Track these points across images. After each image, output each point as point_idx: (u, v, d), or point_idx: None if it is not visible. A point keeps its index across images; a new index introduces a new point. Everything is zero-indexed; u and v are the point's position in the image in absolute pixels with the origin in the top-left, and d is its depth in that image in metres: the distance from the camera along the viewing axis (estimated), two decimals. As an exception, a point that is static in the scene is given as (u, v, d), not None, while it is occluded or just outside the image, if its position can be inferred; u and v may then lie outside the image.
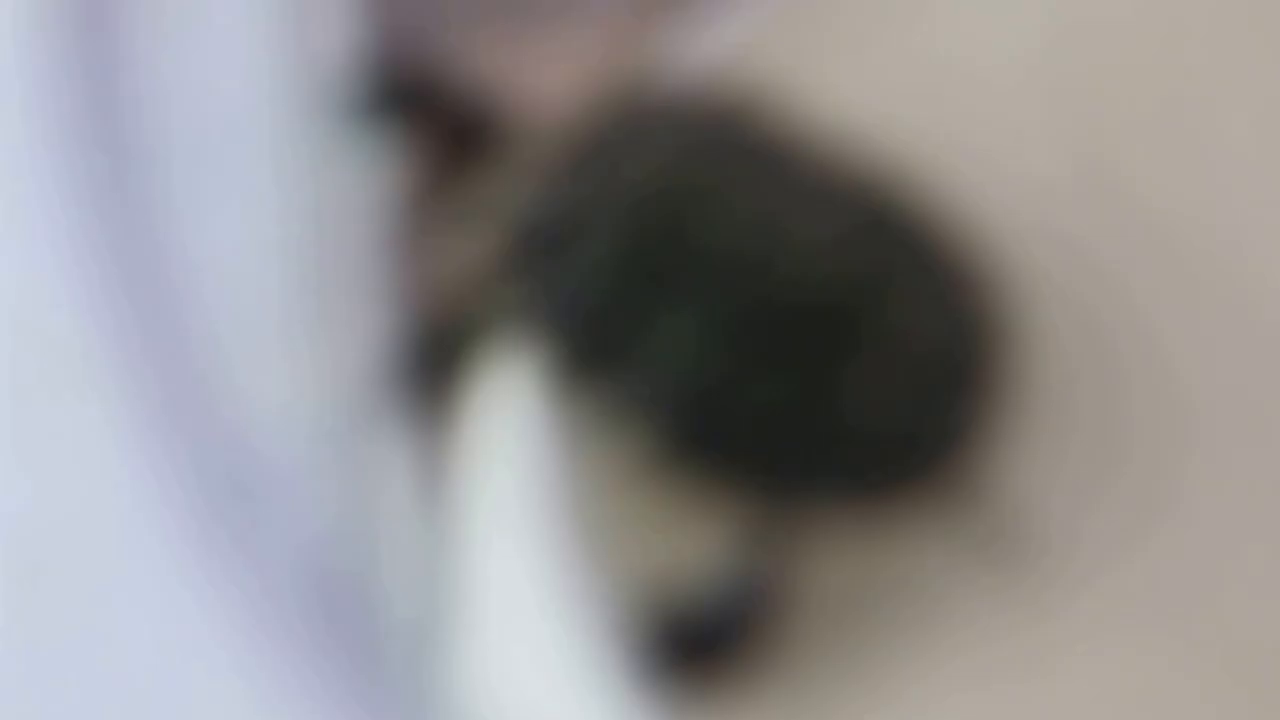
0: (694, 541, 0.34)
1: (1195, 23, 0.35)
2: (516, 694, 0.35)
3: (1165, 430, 0.34)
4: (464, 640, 0.35)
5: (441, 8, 0.38)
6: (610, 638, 0.34)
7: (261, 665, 0.31)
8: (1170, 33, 0.35)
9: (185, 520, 0.33)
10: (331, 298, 0.38)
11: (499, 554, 0.36)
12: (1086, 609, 0.33)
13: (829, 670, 0.33)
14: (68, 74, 0.34)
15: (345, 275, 0.38)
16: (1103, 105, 0.35)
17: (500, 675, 0.35)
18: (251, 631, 0.32)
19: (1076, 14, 0.35)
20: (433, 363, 0.36)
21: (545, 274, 0.35)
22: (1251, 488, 0.33)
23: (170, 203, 0.39)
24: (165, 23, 0.39)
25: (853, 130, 0.34)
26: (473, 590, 0.36)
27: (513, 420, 0.35)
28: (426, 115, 0.36)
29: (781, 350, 0.34)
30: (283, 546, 0.36)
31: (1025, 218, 0.34)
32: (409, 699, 0.36)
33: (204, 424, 0.36)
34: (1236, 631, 0.33)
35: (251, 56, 0.40)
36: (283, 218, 0.39)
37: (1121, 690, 0.33)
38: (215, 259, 0.39)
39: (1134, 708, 0.33)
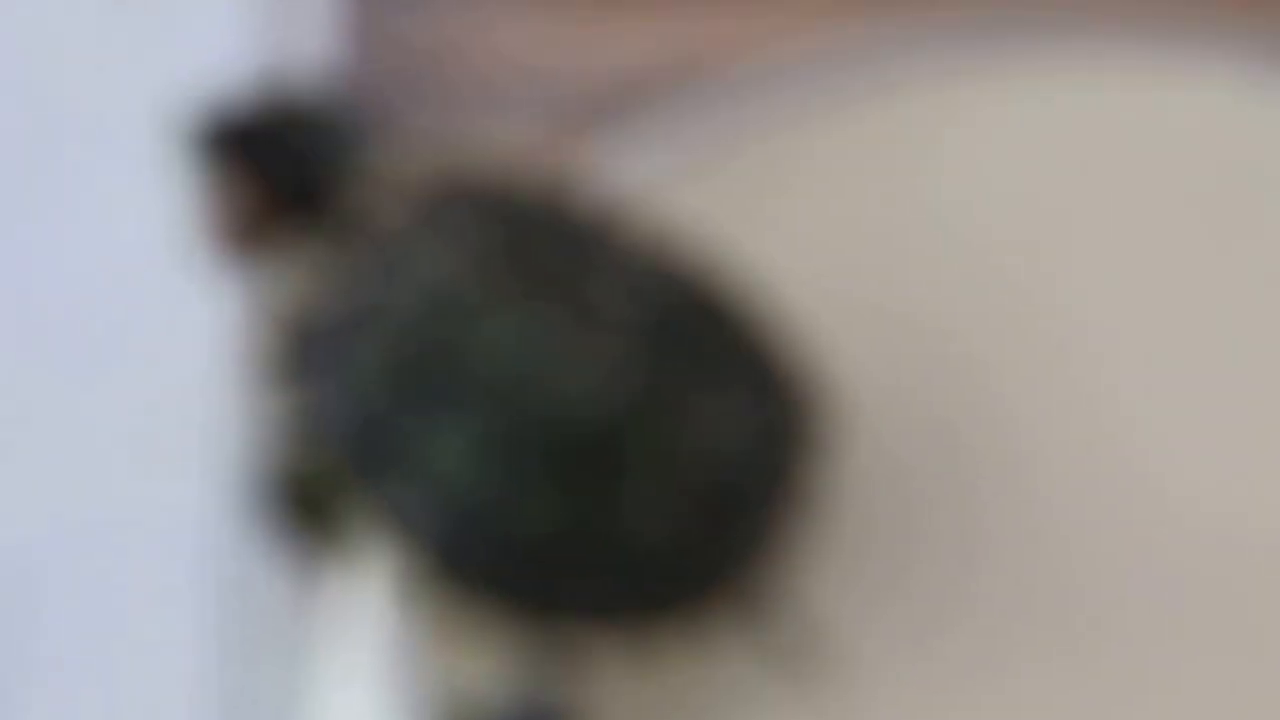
0: (485, 661, 0.34)
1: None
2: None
3: (955, 538, 0.35)
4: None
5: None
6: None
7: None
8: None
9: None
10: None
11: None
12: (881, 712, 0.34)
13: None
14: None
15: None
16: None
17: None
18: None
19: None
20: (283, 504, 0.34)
21: (320, 382, 0.33)
22: (1035, 589, 0.35)
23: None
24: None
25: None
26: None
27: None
28: (252, 166, 0.35)
29: (557, 468, 0.32)
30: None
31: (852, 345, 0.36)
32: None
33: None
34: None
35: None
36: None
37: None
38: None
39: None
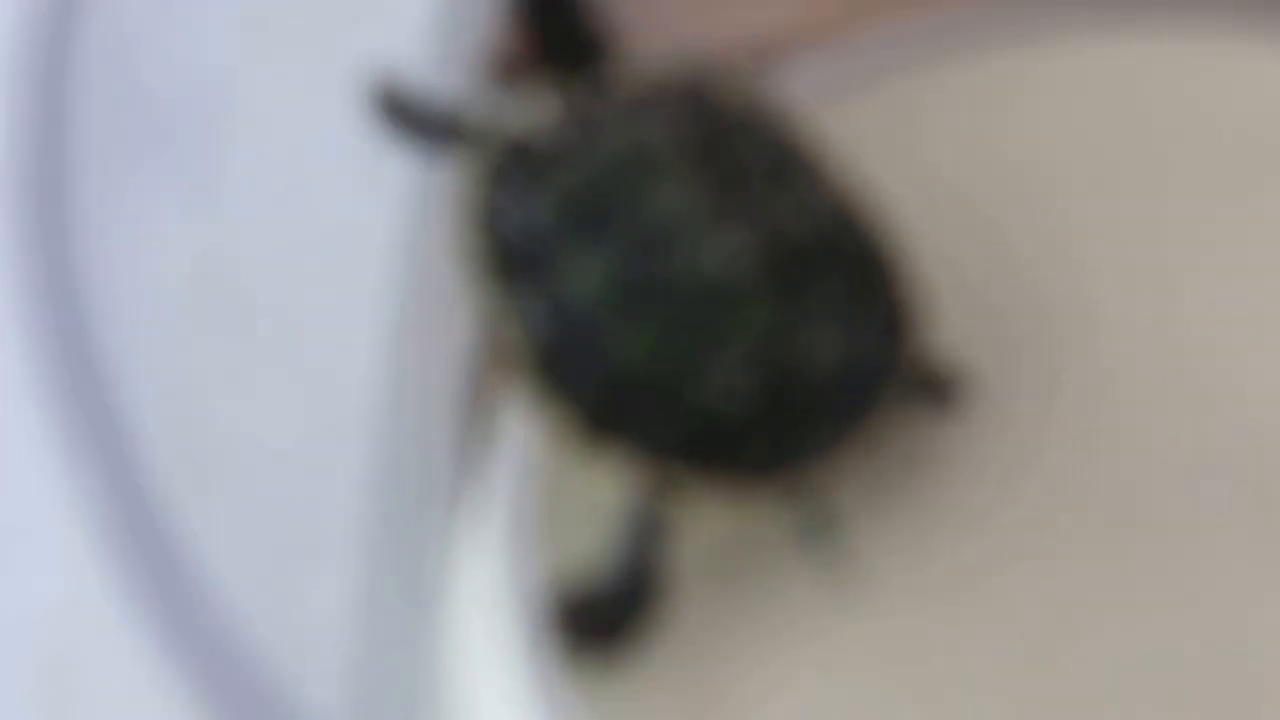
0: (596, 531, 0.39)
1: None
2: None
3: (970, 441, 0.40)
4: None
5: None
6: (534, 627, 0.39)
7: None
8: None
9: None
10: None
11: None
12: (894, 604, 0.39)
13: (705, 641, 0.39)
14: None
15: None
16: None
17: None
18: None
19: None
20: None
21: (503, 188, 0.39)
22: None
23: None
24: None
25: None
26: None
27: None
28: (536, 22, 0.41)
29: (666, 315, 0.38)
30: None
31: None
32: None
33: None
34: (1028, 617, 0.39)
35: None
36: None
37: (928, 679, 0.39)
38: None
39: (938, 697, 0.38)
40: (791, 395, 0.38)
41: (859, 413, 0.39)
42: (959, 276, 0.42)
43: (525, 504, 0.41)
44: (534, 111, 0.41)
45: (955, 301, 0.41)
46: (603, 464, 0.39)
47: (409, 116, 0.42)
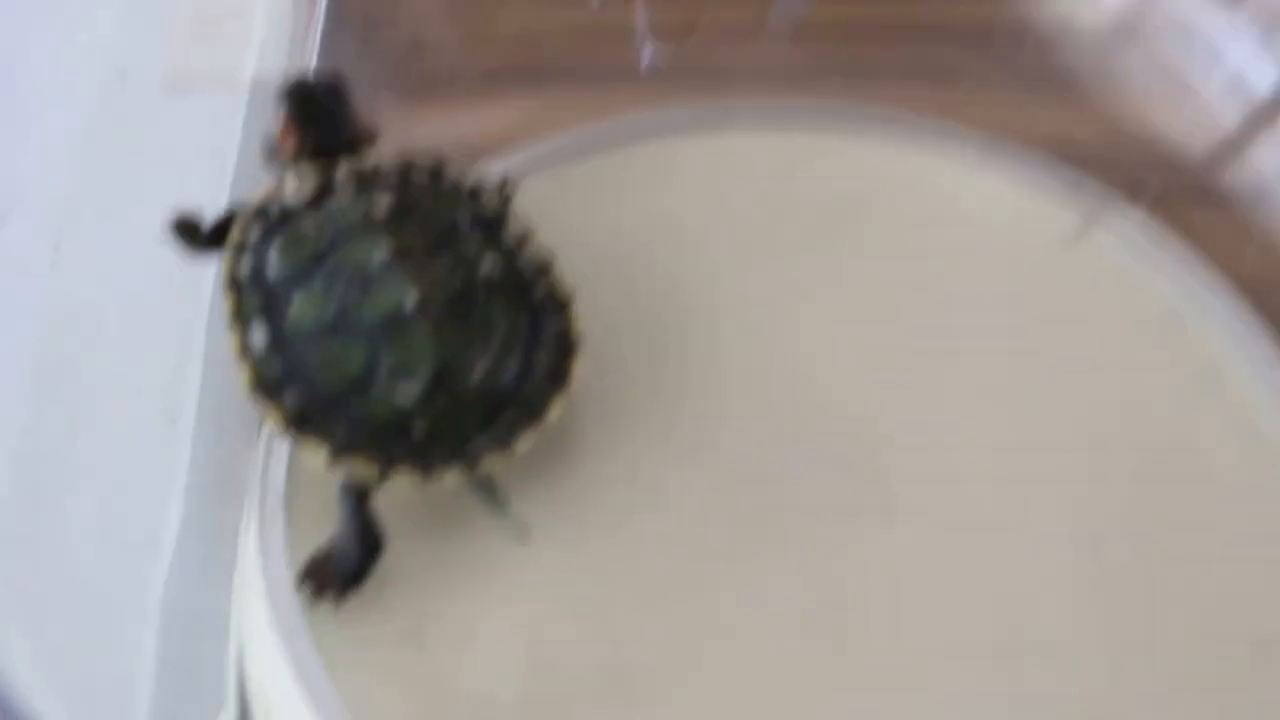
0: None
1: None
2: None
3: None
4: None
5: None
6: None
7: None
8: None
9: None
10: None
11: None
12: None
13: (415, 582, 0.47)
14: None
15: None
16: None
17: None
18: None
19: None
20: None
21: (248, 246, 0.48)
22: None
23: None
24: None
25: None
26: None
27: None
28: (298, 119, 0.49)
29: (359, 337, 0.47)
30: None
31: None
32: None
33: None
34: (658, 558, 0.48)
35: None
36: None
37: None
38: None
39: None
40: (446, 400, 0.46)
41: (506, 412, 0.47)
42: (622, 291, 0.52)
43: (275, 491, 0.50)
44: (288, 187, 0.49)
45: (613, 322, 0.50)
46: (310, 456, 0.46)
47: (191, 232, 0.50)
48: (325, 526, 0.48)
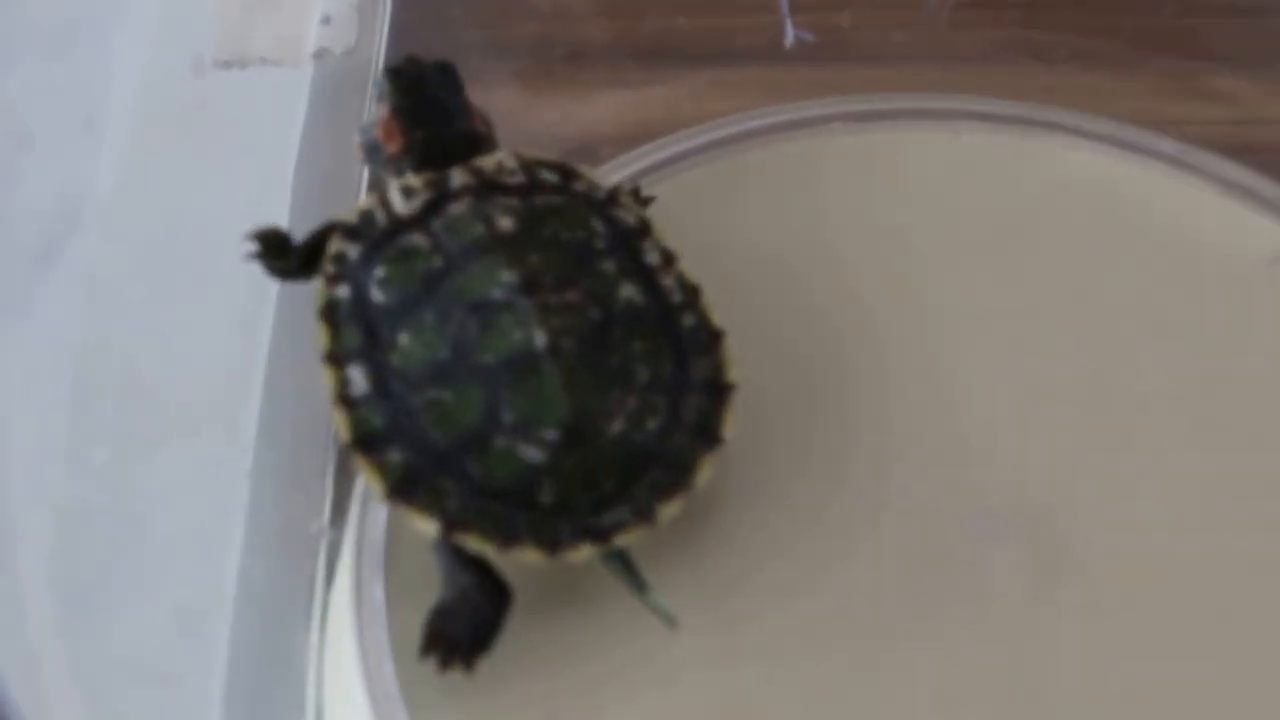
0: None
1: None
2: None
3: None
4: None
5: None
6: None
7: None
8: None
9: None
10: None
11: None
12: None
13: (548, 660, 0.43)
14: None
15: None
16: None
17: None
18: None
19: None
20: None
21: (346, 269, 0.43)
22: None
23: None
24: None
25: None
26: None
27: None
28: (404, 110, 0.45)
29: (479, 392, 0.42)
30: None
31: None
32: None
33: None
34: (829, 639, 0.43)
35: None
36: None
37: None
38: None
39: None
40: (578, 459, 0.41)
41: (648, 474, 0.42)
42: (759, 319, 0.47)
43: (372, 551, 0.45)
44: (393, 196, 0.44)
45: (755, 359, 0.45)
46: (417, 525, 0.42)
47: (278, 250, 0.45)
48: (432, 584, 0.43)
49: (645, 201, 0.48)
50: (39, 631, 0.42)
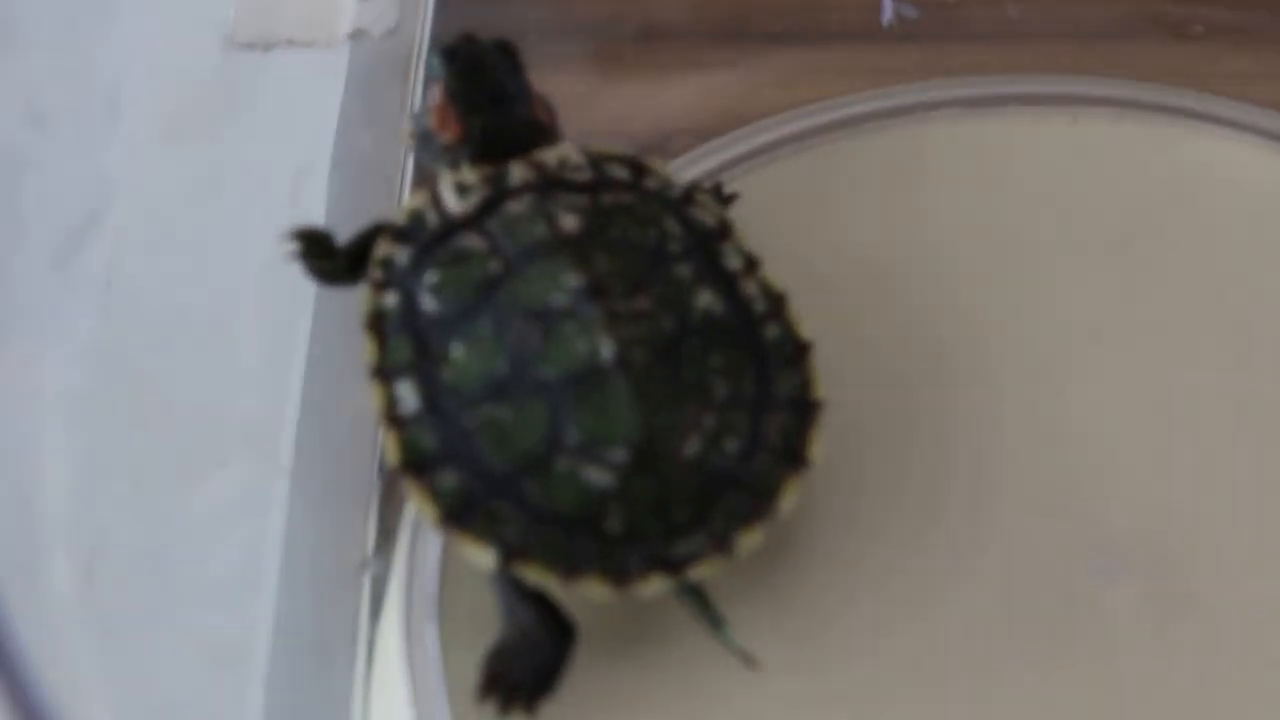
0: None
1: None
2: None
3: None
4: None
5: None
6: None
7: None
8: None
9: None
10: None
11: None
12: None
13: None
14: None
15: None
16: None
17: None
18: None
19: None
20: None
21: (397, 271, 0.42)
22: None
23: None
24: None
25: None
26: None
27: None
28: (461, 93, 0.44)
29: (542, 411, 0.40)
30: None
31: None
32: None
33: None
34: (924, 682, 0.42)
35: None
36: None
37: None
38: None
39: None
40: (650, 483, 0.40)
41: (726, 500, 0.41)
42: (853, 331, 0.46)
43: (425, 591, 0.44)
44: (446, 192, 0.43)
45: (846, 371, 0.44)
46: (473, 557, 0.40)
47: (322, 252, 0.44)
48: (488, 621, 0.42)
49: (727, 200, 0.46)
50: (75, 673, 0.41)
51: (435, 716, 0.42)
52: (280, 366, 0.48)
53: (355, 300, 0.43)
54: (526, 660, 0.41)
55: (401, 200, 0.51)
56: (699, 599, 0.40)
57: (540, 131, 0.44)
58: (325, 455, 0.47)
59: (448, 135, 0.44)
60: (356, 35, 0.53)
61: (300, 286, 0.45)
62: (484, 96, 0.44)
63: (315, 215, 0.49)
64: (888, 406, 0.45)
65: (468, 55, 0.44)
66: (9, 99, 0.45)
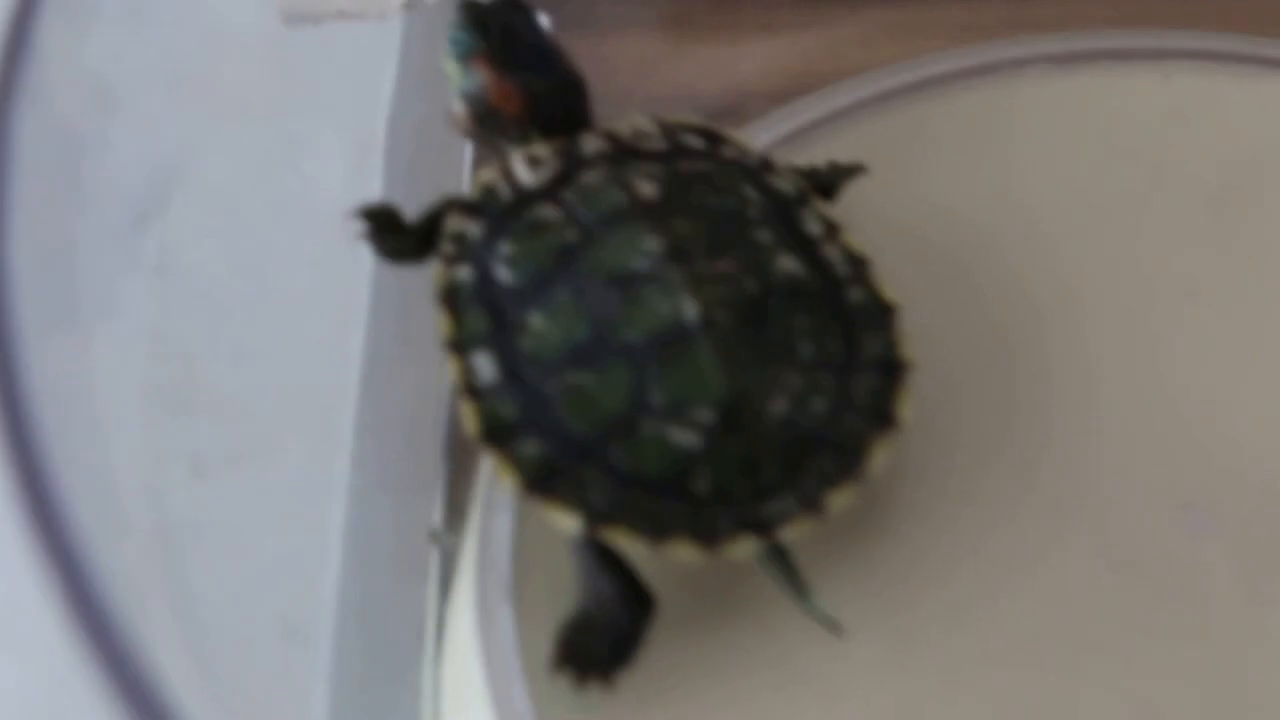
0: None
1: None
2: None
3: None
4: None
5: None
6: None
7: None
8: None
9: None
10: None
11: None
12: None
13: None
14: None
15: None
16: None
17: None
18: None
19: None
20: None
21: (470, 241, 0.45)
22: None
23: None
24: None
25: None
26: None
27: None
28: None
29: (626, 375, 0.43)
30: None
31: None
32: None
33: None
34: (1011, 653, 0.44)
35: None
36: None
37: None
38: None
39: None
40: (737, 444, 0.43)
41: (814, 461, 0.43)
42: (942, 294, 0.49)
43: (498, 572, 0.46)
44: (517, 167, 0.46)
45: (937, 335, 0.46)
46: (559, 522, 0.43)
47: (391, 228, 0.47)
48: (562, 599, 0.44)
49: (849, 172, 0.49)
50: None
51: (511, 694, 0.44)
52: (339, 347, 0.50)
53: (414, 279, 0.46)
54: (603, 632, 0.43)
55: (463, 174, 0.53)
56: (784, 564, 0.42)
57: (583, 82, 0.47)
58: (387, 436, 0.49)
59: (513, 108, 0.46)
60: (411, 4, 0.55)
61: (357, 266, 0.48)
62: (532, 61, 0.47)
63: (372, 193, 0.51)
64: (981, 368, 0.47)
65: (499, 24, 0.47)
66: (80, 82, 0.47)
